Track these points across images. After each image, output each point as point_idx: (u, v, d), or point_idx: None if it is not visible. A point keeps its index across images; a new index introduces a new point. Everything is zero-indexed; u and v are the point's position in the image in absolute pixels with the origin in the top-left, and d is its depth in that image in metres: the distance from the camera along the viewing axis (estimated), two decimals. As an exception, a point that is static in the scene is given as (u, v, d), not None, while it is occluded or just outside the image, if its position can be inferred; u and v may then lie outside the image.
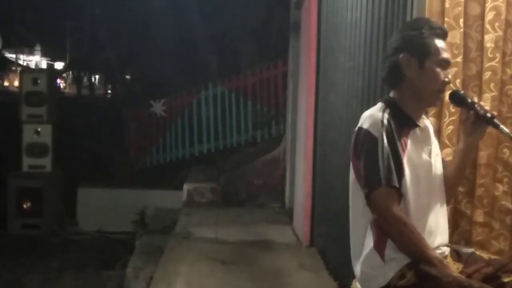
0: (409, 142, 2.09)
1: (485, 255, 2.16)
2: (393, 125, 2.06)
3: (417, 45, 2.11)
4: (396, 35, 2.23)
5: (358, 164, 2.09)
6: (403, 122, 2.10)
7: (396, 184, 2.01)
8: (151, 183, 8.36)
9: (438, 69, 2.10)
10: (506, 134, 2.08)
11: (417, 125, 2.13)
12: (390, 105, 2.13)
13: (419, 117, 2.18)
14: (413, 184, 2.06)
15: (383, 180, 2.00)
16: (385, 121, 2.05)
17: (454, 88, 2.39)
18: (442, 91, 2.15)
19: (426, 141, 2.16)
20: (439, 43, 2.12)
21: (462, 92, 2.28)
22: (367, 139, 2.05)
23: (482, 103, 2.17)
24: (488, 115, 2.10)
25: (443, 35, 2.16)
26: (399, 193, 2.03)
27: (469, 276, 2.04)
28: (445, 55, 2.12)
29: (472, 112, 2.13)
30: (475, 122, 2.14)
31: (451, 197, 2.41)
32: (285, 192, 6.80)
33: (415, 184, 2.07)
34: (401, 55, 2.12)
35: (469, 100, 2.16)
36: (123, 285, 4.89)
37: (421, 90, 2.12)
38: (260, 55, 10.13)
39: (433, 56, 2.10)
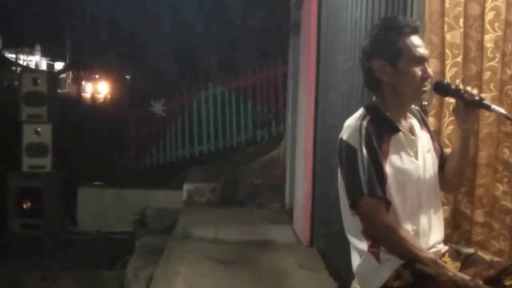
0: (391, 148, 2.06)
1: (487, 257, 2.14)
2: (372, 133, 2.03)
3: (387, 49, 2.07)
4: (366, 40, 2.18)
5: (342, 174, 2.10)
6: (383, 128, 2.08)
7: (379, 193, 1.99)
8: (151, 183, 8.37)
9: (414, 67, 2.06)
10: (499, 113, 2.06)
11: (399, 130, 2.10)
12: (371, 111, 2.11)
13: (404, 117, 2.16)
14: (398, 190, 2.04)
15: (365, 190, 1.99)
16: (364, 130, 2.03)
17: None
18: (422, 87, 2.09)
19: (411, 143, 2.12)
20: (410, 40, 2.07)
21: (446, 81, 2.24)
22: (346, 150, 2.05)
23: (468, 87, 2.11)
24: (477, 98, 2.06)
25: (414, 31, 2.10)
26: (385, 201, 2.01)
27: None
28: (418, 52, 2.07)
29: (460, 99, 2.10)
30: (466, 108, 2.10)
31: (459, 186, 2.36)
32: (285, 192, 6.79)
33: (401, 190, 2.05)
34: (373, 61, 2.09)
35: (454, 87, 2.11)
36: (123, 285, 4.89)
37: (401, 92, 2.10)
38: (260, 55, 10.14)
39: (405, 57, 2.06)
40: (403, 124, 2.14)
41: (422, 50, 2.09)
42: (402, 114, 2.15)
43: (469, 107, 2.09)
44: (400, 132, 2.10)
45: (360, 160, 2.01)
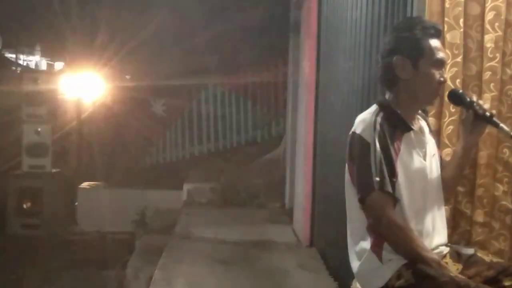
0: (402, 146, 2.07)
1: (486, 258, 2.15)
2: (386, 129, 2.04)
3: (411, 47, 2.08)
4: (389, 36, 2.20)
5: (352, 169, 2.10)
6: (396, 126, 2.08)
7: (389, 189, 2.00)
8: (151, 183, 8.36)
9: (433, 70, 2.08)
10: (505, 132, 2.08)
11: (411, 129, 2.11)
12: (384, 108, 2.11)
13: (414, 117, 2.17)
14: (407, 188, 2.05)
15: (375, 185, 1.99)
16: (378, 126, 2.03)
17: (453, 87, 2.38)
18: (437, 90, 2.13)
19: (421, 144, 2.14)
20: (433, 42, 2.09)
21: (460, 91, 2.26)
22: (359, 144, 2.05)
23: (481, 101, 2.15)
24: (487, 114, 2.09)
25: (437, 34, 2.12)
26: (393, 198, 2.02)
27: (469, 278, 2.02)
28: (440, 55, 2.10)
29: (471, 111, 2.13)
30: (475, 121, 2.13)
31: (450, 196, 2.40)
32: (285, 192, 6.79)
33: (409, 188, 2.06)
34: (394, 58, 2.09)
35: (468, 99, 2.14)
36: (123, 285, 4.90)
37: (416, 92, 2.11)
38: (260, 55, 10.14)
39: (427, 57, 2.07)
40: (413, 125, 2.15)
41: (443, 54, 2.13)
42: (413, 114, 2.17)
43: (478, 121, 2.12)
44: (412, 132, 2.12)
45: (372, 154, 2.01)
